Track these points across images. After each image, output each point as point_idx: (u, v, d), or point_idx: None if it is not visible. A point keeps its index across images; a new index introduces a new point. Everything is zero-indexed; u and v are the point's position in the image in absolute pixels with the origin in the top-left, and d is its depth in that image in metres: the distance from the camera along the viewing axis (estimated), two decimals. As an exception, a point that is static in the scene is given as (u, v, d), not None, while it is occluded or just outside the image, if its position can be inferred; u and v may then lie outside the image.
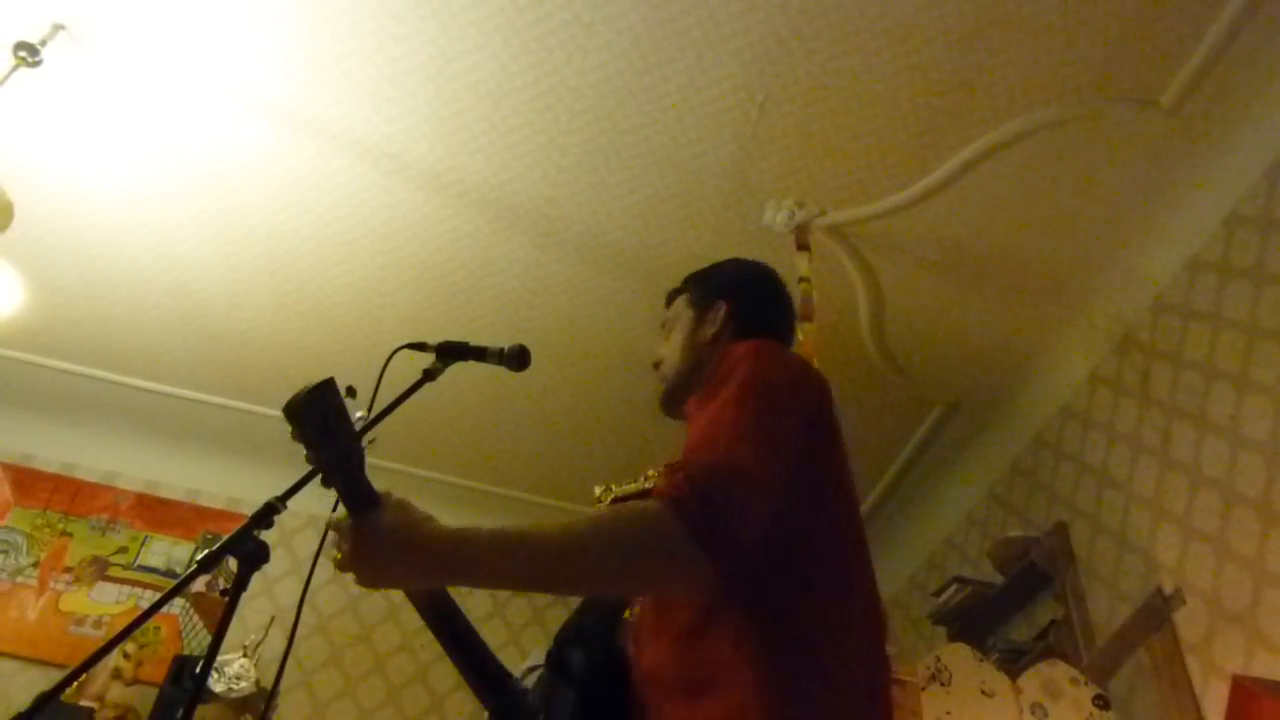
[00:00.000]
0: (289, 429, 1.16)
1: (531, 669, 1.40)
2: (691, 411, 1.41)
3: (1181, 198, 3.32)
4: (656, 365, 1.78)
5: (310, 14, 3.02)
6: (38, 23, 3.06)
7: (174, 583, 1.28)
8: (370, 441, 1.22)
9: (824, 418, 1.42)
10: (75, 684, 3.75)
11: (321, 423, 1.14)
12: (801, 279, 3.31)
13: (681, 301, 1.81)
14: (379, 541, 1.16)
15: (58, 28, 3.07)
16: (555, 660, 1.35)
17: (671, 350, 1.75)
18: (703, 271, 1.86)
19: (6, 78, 3.07)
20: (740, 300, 1.75)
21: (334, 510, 1.22)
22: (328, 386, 1.14)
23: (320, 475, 1.18)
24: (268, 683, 4.02)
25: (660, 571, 1.19)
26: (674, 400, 1.71)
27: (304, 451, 1.17)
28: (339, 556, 1.19)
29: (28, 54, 3.07)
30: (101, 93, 3.29)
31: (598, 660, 1.36)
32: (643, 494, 3.54)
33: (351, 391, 1.21)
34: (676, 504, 1.16)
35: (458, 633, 1.37)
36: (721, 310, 1.72)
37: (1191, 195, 3.30)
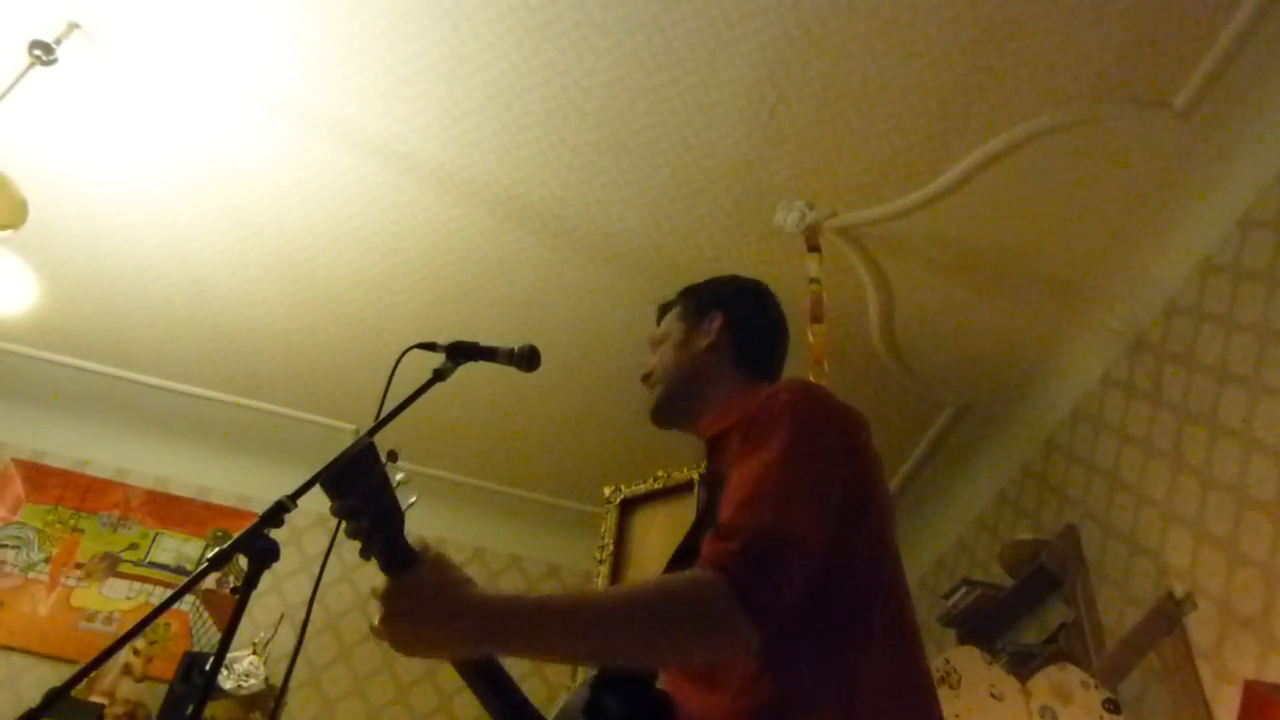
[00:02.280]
0: (329, 502, 1.10)
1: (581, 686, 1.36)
2: (732, 455, 1.36)
3: (1194, 200, 3.30)
4: (646, 377, 1.73)
5: (323, 13, 3.02)
6: (53, 21, 3.08)
7: (184, 579, 1.27)
8: (411, 504, 1.18)
9: (869, 463, 1.41)
10: (85, 679, 3.77)
11: (363, 493, 1.09)
12: (812, 280, 3.30)
13: (673, 315, 1.78)
14: (415, 606, 1.12)
15: (73, 26, 3.09)
16: (590, 707, 1.30)
17: (663, 362, 1.71)
18: (696, 285, 1.83)
19: (22, 76, 3.09)
20: (736, 312, 1.72)
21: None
22: (368, 453, 1.09)
23: (360, 546, 1.13)
24: (277, 680, 4.03)
25: (710, 646, 1.17)
26: (670, 411, 1.68)
27: (344, 511, 1.11)
28: (376, 623, 1.14)
29: (43, 53, 3.09)
30: (115, 91, 3.31)
31: (636, 706, 1.32)
32: (651, 495, 3.55)
33: (393, 456, 1.18)
34: (730, 577, 1.14)
35: (496, 681, 1.30)
36: (717, 321, 1.70)
37: (1205, 197, 3.28)
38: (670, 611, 1.15)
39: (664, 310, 1.83)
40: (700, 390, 1.64)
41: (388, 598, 1.13)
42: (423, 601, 1.12)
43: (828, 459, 1.33)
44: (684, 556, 1.38)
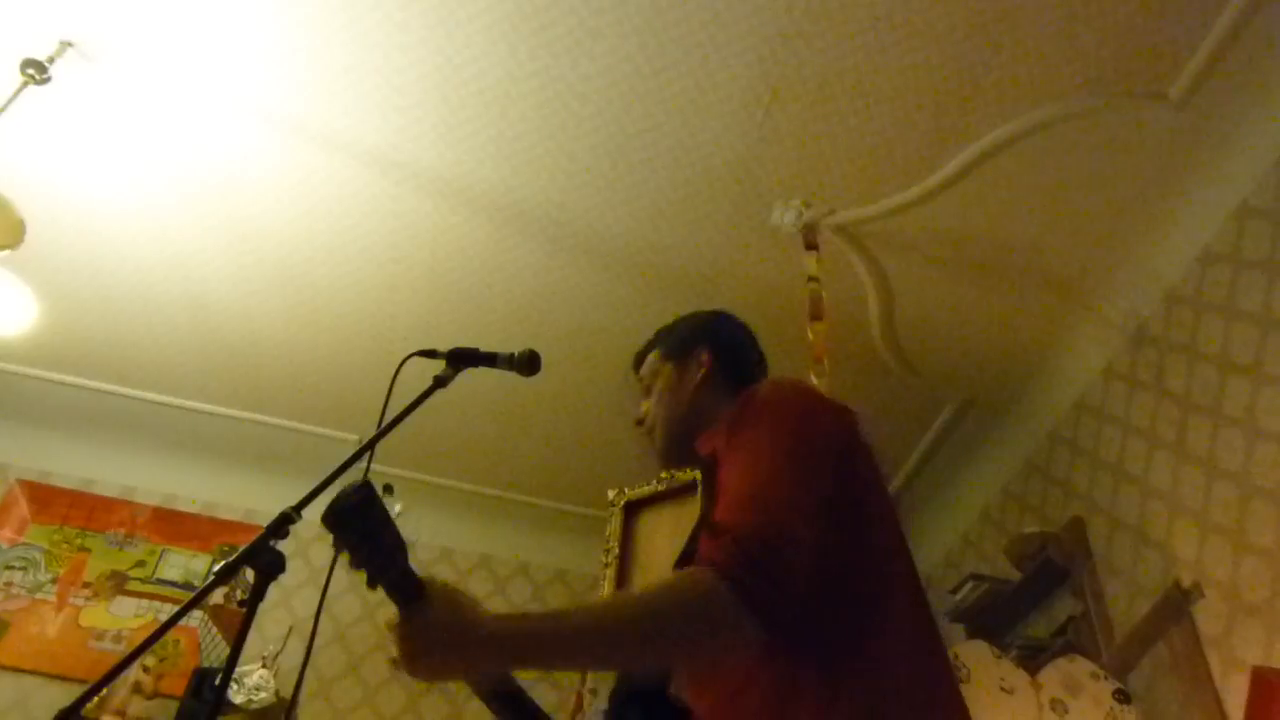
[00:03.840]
0: (330, 537, 1.12)
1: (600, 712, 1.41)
2: (721, 456, 1.38)
3: (1192, 190, 3.30)
4: (640, 422, 1.75)
5: (318, 25, 3.03)
6: (45, 40, 3.08)
7: (192, 595, 1.28)
8: (413, 542, 1.20)
9: (857, 450, 1.41)
10: (96, 699, 3.76)
11: (362, 528, 1.11)
12: (810, 278, 3.30)
13: (654, 358, 1.79)
14: (429, 637, 1.15)
15: (65, 45, 3.09)
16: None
17: (659, 405, 1.73)
18: (669, 326, 1.85)
19: (15, 96, 3.09)
20: (720, 341, 1.76)
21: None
22: (364, 490, 1.11)
23: (365, 577, 1.15)
24: (287, 693, 4.03)
25: (715, 645, 1.19)
26: (678, 453, 1.71)
27: (347, 549, 1.12)
28: (394, 656, 1.17)
29: (36, 72, 3.09)
30: (111, 108, 3.31)
31: (655, 715, 1.35)
32: (656, 497, 3.55)
33: (389, 489, 1.19)
34: (728, 576, 1.16)
35: (513, 698, 1.33)
36: (704, 355, 1.72)
37: (1202, 188, 3.28)
38: (671, 613, 1.17)
39: (640, 358, 1.84)
40: (701, 425, 1.64)
41: (401, 631, 1.15)
42: (435, 632, 1.15)
43: (812, 452, 1.34)
44: (686, 560, 1.39)
